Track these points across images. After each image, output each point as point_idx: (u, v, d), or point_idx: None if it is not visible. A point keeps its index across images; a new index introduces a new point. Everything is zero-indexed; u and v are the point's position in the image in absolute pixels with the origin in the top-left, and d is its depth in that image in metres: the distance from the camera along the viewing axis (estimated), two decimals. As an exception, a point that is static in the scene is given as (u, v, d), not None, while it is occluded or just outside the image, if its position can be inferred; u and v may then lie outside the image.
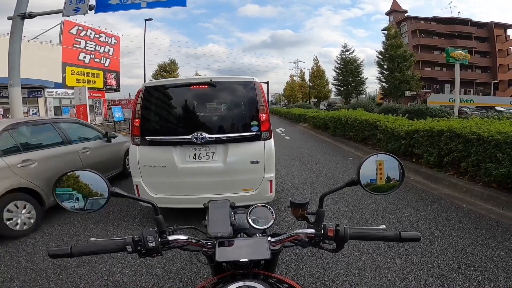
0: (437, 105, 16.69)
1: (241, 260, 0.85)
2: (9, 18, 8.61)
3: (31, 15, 8.55)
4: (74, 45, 25.80)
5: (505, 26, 43.01)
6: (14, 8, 8.46)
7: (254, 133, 3.38)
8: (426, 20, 43.88)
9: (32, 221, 3.52)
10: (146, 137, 3.37)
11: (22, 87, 9.46)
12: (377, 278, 2.41)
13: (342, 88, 42.19)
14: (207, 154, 3.39)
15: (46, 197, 3.70)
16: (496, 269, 2.46)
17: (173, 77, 29.54)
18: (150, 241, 0.89)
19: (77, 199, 0.93)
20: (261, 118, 3.38)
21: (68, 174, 0.93)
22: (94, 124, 15.86)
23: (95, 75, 28.15)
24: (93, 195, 0.93)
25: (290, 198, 1.07)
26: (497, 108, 25.89)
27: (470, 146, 4.55)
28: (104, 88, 29.58)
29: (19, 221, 3.39)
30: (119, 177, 5.70)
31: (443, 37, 42.11)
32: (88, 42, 27.14)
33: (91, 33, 27.32)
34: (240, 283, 0.78)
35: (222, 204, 1.07)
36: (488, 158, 4.17)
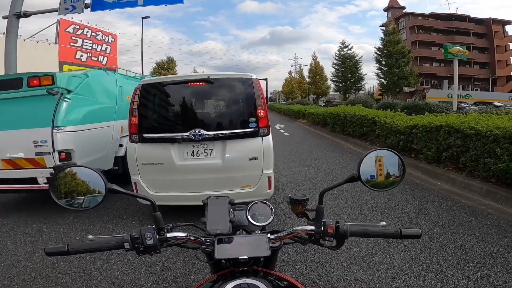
0: (435, 101, 16.72)
1: (240, 257, 0.84)
2: (4, 17, 8.53)
3: (27, 14, 8.47)
4: (71, 44, 25.64)
5: (503, 22, 42.97)
6: (9, 7, 8.39)
7: (252, 129, 3.36)
8: (424, 16, 43.74)
9: None
10: (144, 135, 3.35)
11: (19, 86, 9.35)
12: (376, 274, 2.42)
13: (340, 84, 42.19)
14: (205, 151, 3.37)
15: None
16: (495, 265, 2.46)
17: (171, 74, 29.47)
18: (148, 239, 0.88)
19: (74, 196, 0.92)
20: (259, 114, 3.36)
21: (65, 171, 0.91)
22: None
23: (92, 74, 27.96)
24: (90, 192, 0.91)
25: (289, 195, 1.05)
26: (495, 103, 25.98)
27: (468, 141, 4.55)
28: (102, 87, 29.42)
29: None
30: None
31: (441, 33, 42.05)
32: (85, 40, 26.97)
33: (87, 32, 27.14)
34: (240, 281, 0.77)
35: (221, 201, 1.06)
36: (486, 153, 4.17)
